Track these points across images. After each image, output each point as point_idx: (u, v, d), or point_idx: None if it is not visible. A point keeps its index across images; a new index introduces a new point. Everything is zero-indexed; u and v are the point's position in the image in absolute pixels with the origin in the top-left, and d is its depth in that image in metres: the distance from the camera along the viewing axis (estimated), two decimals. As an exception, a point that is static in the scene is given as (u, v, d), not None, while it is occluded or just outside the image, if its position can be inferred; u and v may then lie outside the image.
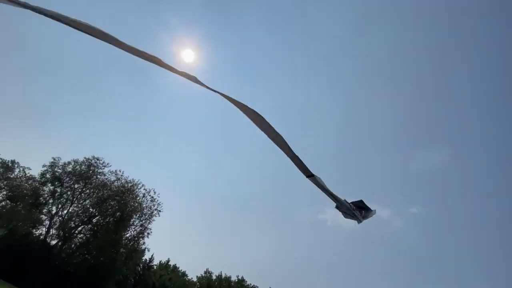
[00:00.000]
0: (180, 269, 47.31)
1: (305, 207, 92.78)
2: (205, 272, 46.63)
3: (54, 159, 38.59)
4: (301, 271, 78.96)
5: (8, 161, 44.26)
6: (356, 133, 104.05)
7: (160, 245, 79.00)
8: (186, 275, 47.97)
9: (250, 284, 47.84)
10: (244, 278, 47.52)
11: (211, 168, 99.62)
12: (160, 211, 40.54)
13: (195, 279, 46.70)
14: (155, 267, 43.45)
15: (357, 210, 3.05)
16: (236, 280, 46.96)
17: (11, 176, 42.73)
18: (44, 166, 38.10)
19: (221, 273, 46.93)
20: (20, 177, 42.93)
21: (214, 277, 46.35)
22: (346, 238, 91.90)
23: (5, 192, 42.18)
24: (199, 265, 76.17)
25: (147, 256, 42.28)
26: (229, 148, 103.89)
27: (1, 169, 43.37)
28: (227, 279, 46.22)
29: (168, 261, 46.88)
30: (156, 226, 56.63)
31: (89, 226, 37.56)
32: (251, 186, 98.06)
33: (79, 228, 37.30)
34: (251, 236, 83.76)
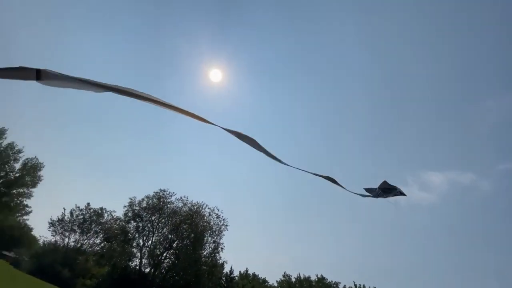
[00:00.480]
0: (259, 276, 49.27)
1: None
2: (284, 276, 47.66)
3: (130, 199, 44.35)
4: (381, 258, 74.22)
5: (98, 209, 52.65)
6: (416, 94, 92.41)
7: (237, 256, 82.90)
8: (267, 281, 49.62)
9: (332, 281, 47.11)
10: (324, 276, 47.08)
11: (265, 171, 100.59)
12: (227, 225, 43.33)
13: (275, 284, 47.99)
14: (236, 278, 46.03)
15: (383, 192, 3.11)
16: (316, 279, 46.76)
17: (103, 221, 50.63)
18: (124, 206, 43.99)
19: (299, 274, 47.38)
20: (109, 220, 50.59)
21: (293, 279, 47.00)
22: (424, 217, 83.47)
23: (101, 235, 50.10)
24: (276, 271, 77.49)
25: (226, 269, 45.19)
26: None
27: (94, 217, 51.75)
28: (307, 279, 46.38)
29: (247, 270, 49.25)
30: (228, 239, 60.07)
31: (171, 250, 41.96)
32: (312, 183, 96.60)
33: (164, 254, 41.93)
34: (324, 233, 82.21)
